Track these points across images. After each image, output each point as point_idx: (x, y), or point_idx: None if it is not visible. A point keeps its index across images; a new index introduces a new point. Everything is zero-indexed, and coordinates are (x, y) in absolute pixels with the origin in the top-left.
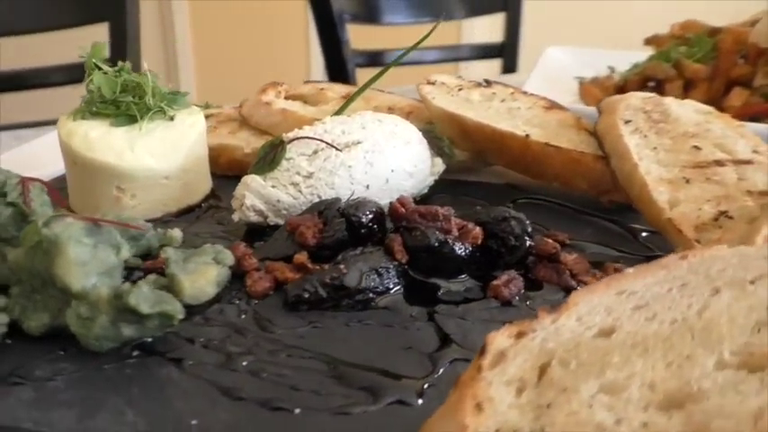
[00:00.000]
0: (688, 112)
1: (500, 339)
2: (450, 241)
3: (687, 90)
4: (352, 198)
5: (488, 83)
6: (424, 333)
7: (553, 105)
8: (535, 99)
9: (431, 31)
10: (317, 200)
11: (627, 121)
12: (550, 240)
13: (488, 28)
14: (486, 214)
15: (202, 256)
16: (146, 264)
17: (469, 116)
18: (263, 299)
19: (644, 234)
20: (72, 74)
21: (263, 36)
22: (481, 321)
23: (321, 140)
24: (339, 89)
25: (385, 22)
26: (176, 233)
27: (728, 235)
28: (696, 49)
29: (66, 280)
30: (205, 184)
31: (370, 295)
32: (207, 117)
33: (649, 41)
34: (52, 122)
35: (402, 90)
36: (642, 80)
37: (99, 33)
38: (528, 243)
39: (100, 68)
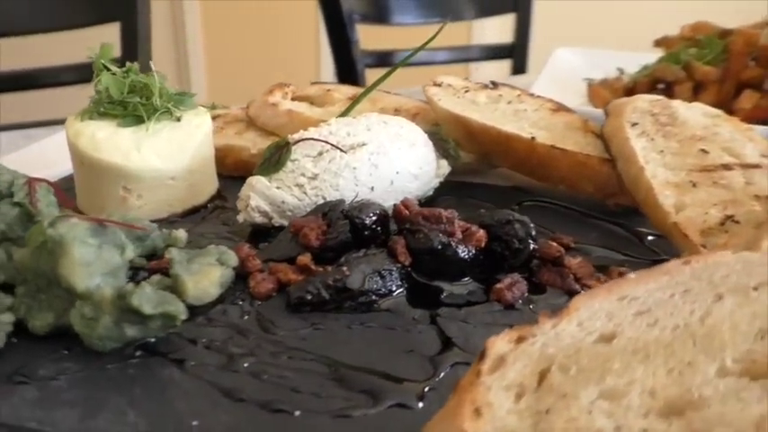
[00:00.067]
0: (696, 115)
1: (500, 344)
2: (453, 244)
3: (697, 92)
4: (356, 200)
5: (495, 85)
6: (426, 336)
7: (560, 108)
8: (542, 101)
9: (437, 33)
10: (321, 201)
11: (634, 124)
12: (554, 244)
13: (499, 29)
14: (490, 217)
15: (206, 257)
16: (150, 264)
17: (475, 118)
18: (266, 300)
19: (650, 238)
20: (83, 74)
21: (274, 36)
22: (484, 325)
23: (326, 142)
24: (346, 90)
25: (395, 23)
26: (181, 234)
27: (735, 240)
28: (706, 51)
29: (70, 280)
30: (211, 185)
31: (373, 297)
32: (214, 118)
33: (659, 43)
34: (63, 122)
35: (410, 91)
36: (651, 82)
37: (110, 33)
38: (531, 246)
39: (108, 69)
